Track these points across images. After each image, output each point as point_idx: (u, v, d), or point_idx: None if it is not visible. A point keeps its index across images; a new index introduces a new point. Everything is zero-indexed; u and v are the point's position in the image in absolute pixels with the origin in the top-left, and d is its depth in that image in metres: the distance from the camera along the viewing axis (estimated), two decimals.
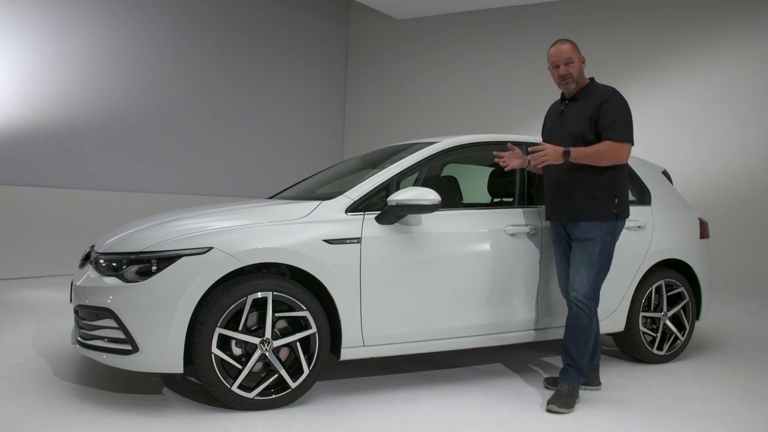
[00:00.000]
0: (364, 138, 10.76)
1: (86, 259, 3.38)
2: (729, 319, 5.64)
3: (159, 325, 2.79)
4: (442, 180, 4.16)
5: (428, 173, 4.26)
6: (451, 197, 3.83)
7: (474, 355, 4.05)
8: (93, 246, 3.41)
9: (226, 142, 9.16)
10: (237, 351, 2.93)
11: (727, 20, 8.05)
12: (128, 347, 2.82)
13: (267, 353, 2.93)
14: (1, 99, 6.73)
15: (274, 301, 2.94)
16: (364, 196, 3.26)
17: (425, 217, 3.30)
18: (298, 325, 3.02)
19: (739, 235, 7.73)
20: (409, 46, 10.58)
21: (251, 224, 3.03)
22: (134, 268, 2.87)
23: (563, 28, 8.65)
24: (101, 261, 3.01)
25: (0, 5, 6.70)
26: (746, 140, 7.85)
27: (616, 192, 3.23)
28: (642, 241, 3.92)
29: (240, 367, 2.91)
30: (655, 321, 4.05)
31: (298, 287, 2.99)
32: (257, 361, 2.93)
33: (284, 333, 3.00)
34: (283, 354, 3.02)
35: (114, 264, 2.94)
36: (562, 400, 3.10)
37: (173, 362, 2.81)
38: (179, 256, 2.84)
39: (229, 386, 2.88)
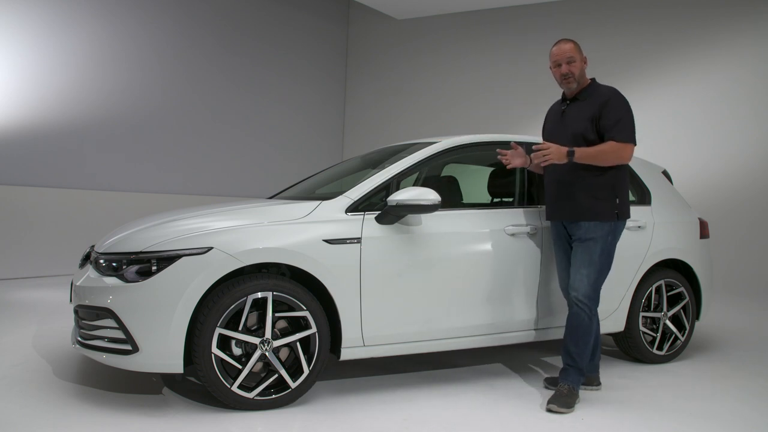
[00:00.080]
0: (364, 138, 10.76)
1: (86, 259, 3.38)
2: (729, 319, 5.64)
3: (159, 325, 2.79)
4: (442, 180, 4.16)
5: (428, 173, 4.26)
6: (451, 197, 3.83)
7: (474, 355, 4.05)
8: (93, 246, 3.41)
9: (226, 142, 9.16)
10: (237, 351, 2.93)
11: (727, 20, 8.05)
12: (128, 347, 2.82)
13: (267, 353, 2.93)
14: (1, 99, 6.73)
15: (274, 301, 2.94)
16: (364, 196, 3.26)
17: (425, 217, 3.30)
18: (298, 325, 3.02)
19: (739, 235, 7.73)
20: (409, 46, 10.58)
21: (251, 224, 3.03)
22: (134, 268, 2.87)
23: (563, 28, 8.65)
24: (101, 261, 3.01)
25: (0, 5, 6.70)
26: (746, 140, 7.85)
27: (617, 192, 3.24)
28: (642, 241, 3.92)
29: (240, 367, 2.91)
30: (655, 321, 4.05)
31: (298, 287, 2.99)
32: (257, 361, 2.93)
33: (284, 333, 3.00)
34: (283, 354, 3.02)
35: (114, 264, 2.94)
36: (562, 400, 3.10)
37: (173, 362, 2.81)
38: (179, 256, 2.84)
39: (229, 386, 2.88)
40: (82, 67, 7.44)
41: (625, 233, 3.60)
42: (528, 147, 3.48)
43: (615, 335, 4.02)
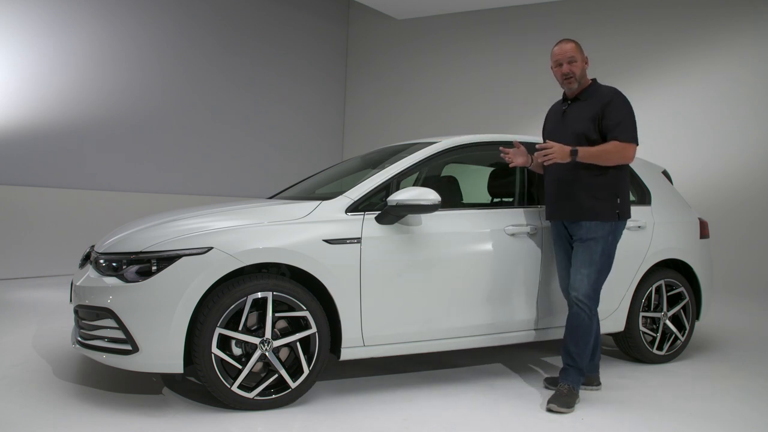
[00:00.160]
0: (364, 138, 10.76)
1: (86, 259, 3.38)
2: (729, 319, 5.64)
3: (159, 325, 2.79)
4: (442, 180, 4.16)
5: (428, 173, 4.26)
6: (451, 197, 3.83)
7: (474, 355, 4.05)
8: (93, 246, 3.41)
9: (226, 142, 9.16)
10: (237, 351, 2.93)
11: (727, 20, 8.05)
12: (128, 347, 2.82)
13: (267, 353, 2.93)
14: (1, 99, 6.73)
15: (274, 301, 2.94)
16: (364, 196, 3.26)
17: (425, 217, 3.30)
18: (298, 325, 3.02)
19: (739, 235, 7.73)
20: (409, 46, 10.58)
21: (251, 224, 3.03)
22: (134, 268, 2.87)
23: (563, 28, 8.65)
24: (101, 261, 3.01)
25: (0, 5, 6.70)
26: (746, 140, 7.85)
27: (618, 192, 3.24)
28: (642, 241, 3.92)
29: (240, 367, 2.91)
30: (655, 321, 4.05)
31: (298, 287, 2.99)
32: (257, 361, 2.93)
33: (284, 333, 2.99)
34: (283, 354, 3.02)
35: (114, 264, 2.94)
36: (562, 400, 3.10)
37: (173, 362, 2.81)
38: (179, 256, 2.84)
39: (229, 386, 2.88)
40: (82, 67, 7.44)
41: (625, 233, 3.59)
42: (529, 147, 3.49)
43: (615, 335, 4.02)
